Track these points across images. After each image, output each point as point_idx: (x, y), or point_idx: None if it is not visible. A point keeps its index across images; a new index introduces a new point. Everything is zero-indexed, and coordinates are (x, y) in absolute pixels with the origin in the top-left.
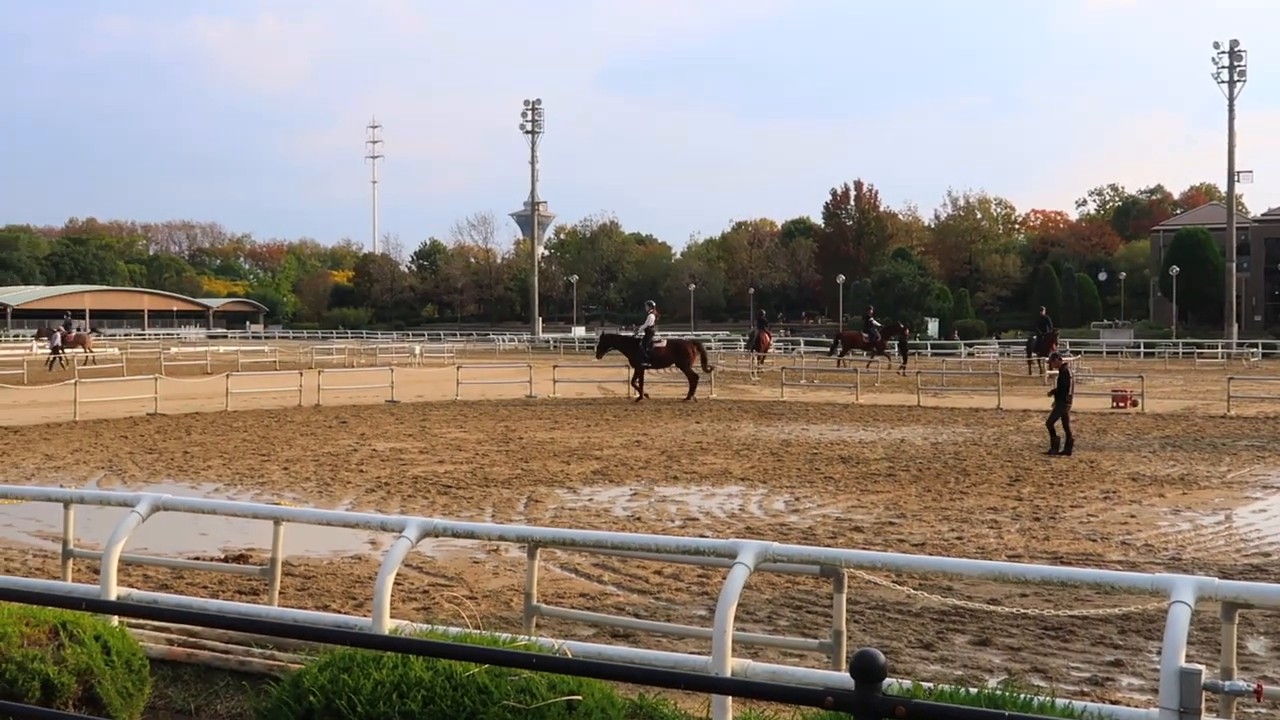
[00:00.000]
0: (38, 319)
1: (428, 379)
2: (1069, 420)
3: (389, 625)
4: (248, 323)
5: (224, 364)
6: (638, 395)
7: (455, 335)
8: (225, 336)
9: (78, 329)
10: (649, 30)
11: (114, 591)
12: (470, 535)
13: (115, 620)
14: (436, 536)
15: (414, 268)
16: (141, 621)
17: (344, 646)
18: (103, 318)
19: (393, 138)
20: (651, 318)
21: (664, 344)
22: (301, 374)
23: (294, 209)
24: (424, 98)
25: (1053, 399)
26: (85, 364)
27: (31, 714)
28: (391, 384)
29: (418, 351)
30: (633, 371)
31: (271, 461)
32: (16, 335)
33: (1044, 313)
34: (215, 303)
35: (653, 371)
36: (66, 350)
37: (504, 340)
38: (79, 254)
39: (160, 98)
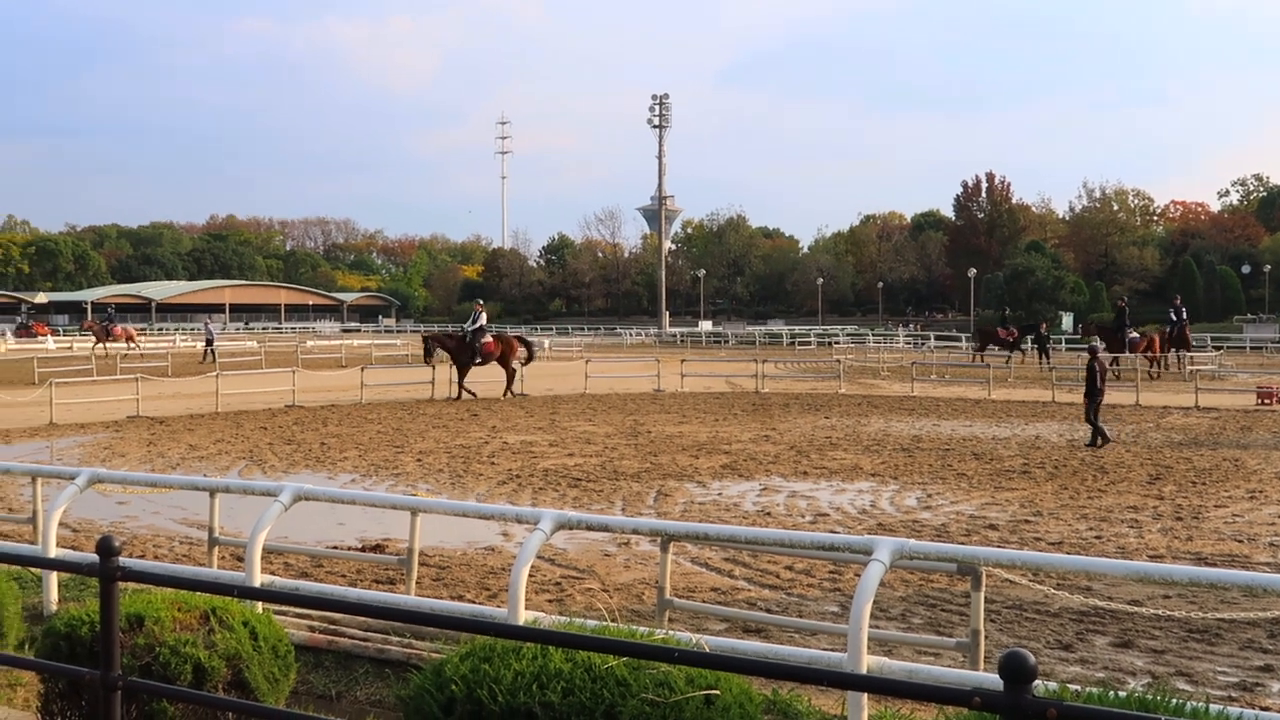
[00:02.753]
0: (180, 313)
1: (556, 372)
2: (1094, 413)
3: (524, 616)
4: (380, 317)
5: (358, 357)
6: (459, 394)
7: (583, 329)
8: (359, 330)
9: (102, 321)
10: (776, 21)
11: (258, 578)
12: (604, 528)
13: (259, 606)
14: (570, 529)
15: (542, 262)
16: (284, 608)
17: (484, 637)
18: (241, 312)
19: (521, 133)
20: (483, 317)
21: (491, 340)
22: (434, 368)
23: (425, 205)
24: (552, 93)
25: (1085, 394)
26: (126, 358)
27: (184, 696)
28: (522, 377)
29: (546, 345)
30: (459, 369)
31: (405, 453)
32: (160, 329)
33: (1177, 301)
34: (349, 297)
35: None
36: (110, 343)
37: (631, 334)
38: (219, 250)
39: (297, 97)
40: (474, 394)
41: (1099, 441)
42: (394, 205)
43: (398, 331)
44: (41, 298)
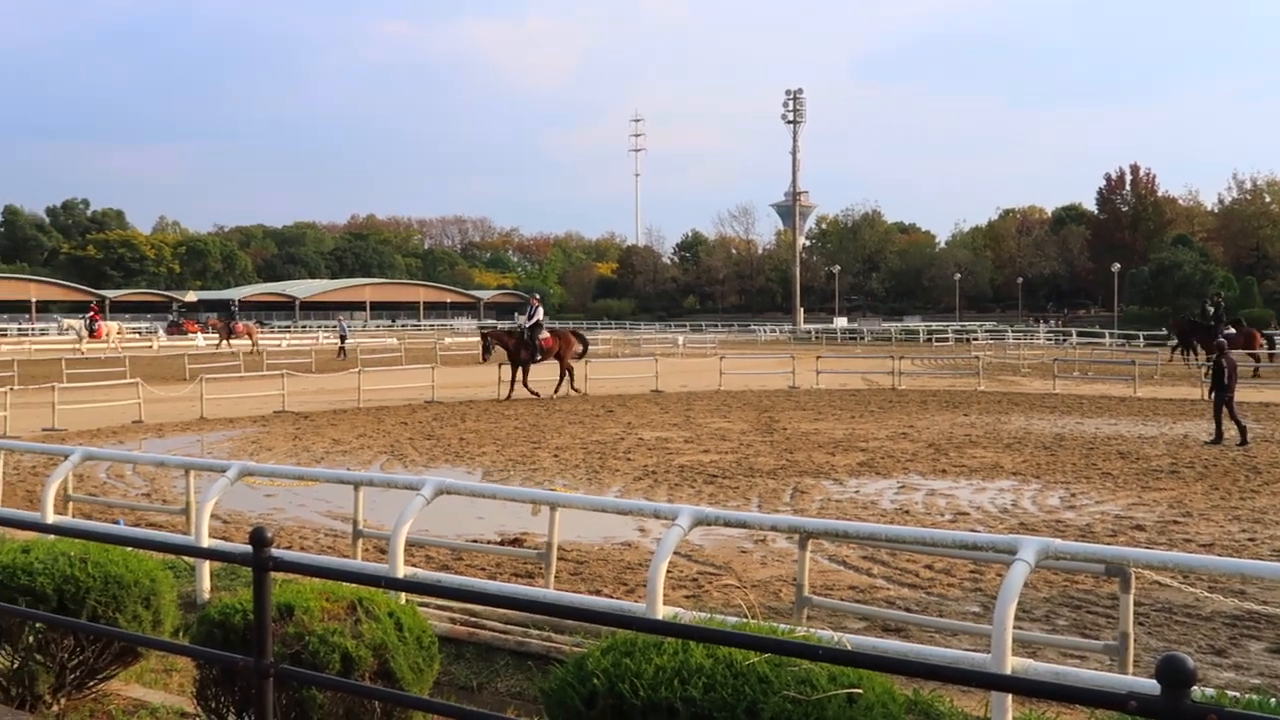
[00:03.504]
0: (323, 310)
1: (691, 369)
2: (1223, 411)
3: (662, 611)
4: (515, 314)
5: (495, 354)
6: (509, 395)
7: (717, 326)
8: (495, 327)
9: (225, 319)
10: (910, 13)
11: (401, 570)
12: (742, 525)
13: (403, 598)
14: (708, 525)
15: (676, 259)
16: (426, 600)
17: (625, 631)
18: (381, 309)
19: (655, 131)
20: (540, 311)
21: (548, 335)
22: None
23: (560, 203)
24: (686, 90)
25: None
26: (250, 354)
27: (333, 684)
28: (656, 374)
29: (680, 342)
30: (515, 368)
31: (542, 449)
32: (304, 326)
33: None
34: (485, 294)
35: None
36: (233, 341)
37: (765, 331)
38: (360, 248)
39: (435, 98)
40: (537, 394)
41: (1241, 439)
42: (529, 203)
43: None
44: (191, 296)
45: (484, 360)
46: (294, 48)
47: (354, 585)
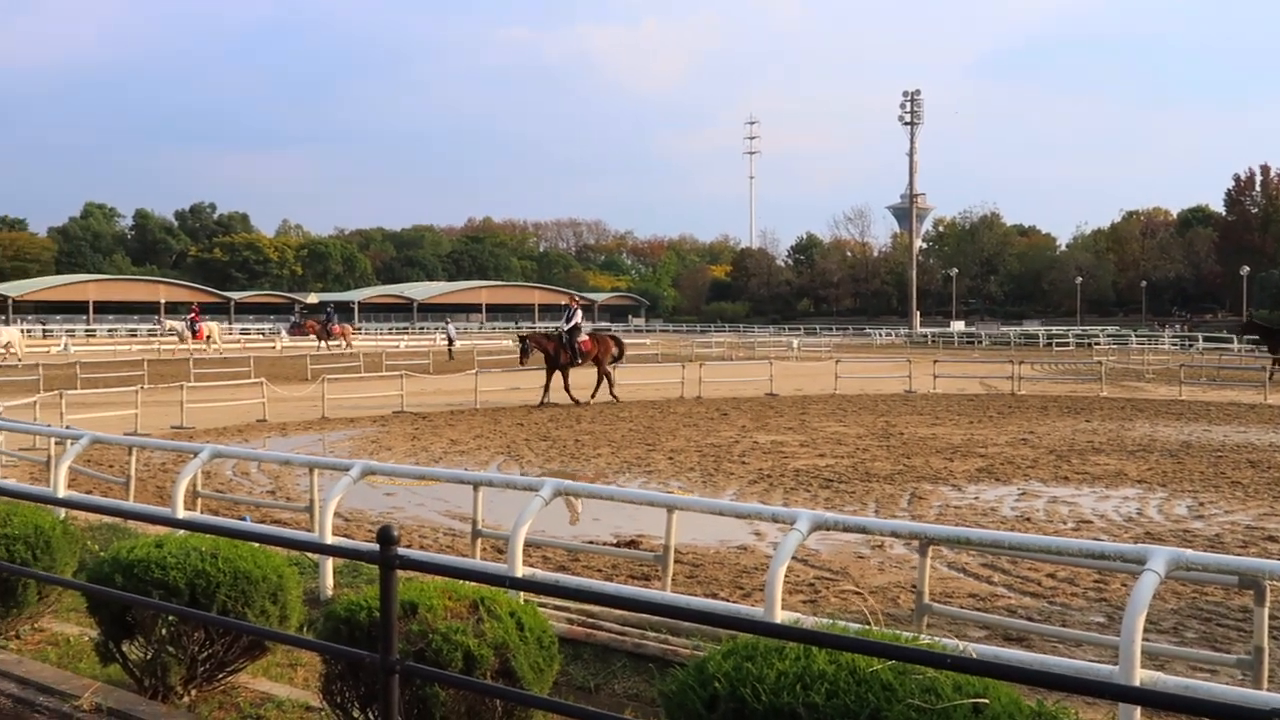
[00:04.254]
0: (440, 312)
1: (805, 373)
2: None
3: (781, 616)
4: (630, 316)
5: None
6: (543, 400)
7: (831, 329)
8: (609, 330)
9: (322, 321)
10: (1031, 12)
11: (520, 570)
12: (861, 530)
13: (522, 597)
14: (826, 530)
15: (790, 262)
16: (544, 600)
17: (746, 635)
18: (497, 312)
19: (770, 133)
20: (578, 314)
21: (587, 338)
22: (683, 366)
23: (673, 205)
24: (800, 92)
25: None
26: (348, 351)
27: (457, 682)
28: (770, 377)
29: (795, 345)
30: (554, 373)
31: (657, 451)
32: (421, 328)
33: None
34: (600, 297)
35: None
36: (329, 342)
37: (881, 334)
38: (476, 251)
39: (550, 102)
40: (578, 400)
41: None
42: (643, 206)
43: (647, 331)
44: (313, 298)
45: (522, 364)
46: (413, 54)
47: (475, 584)
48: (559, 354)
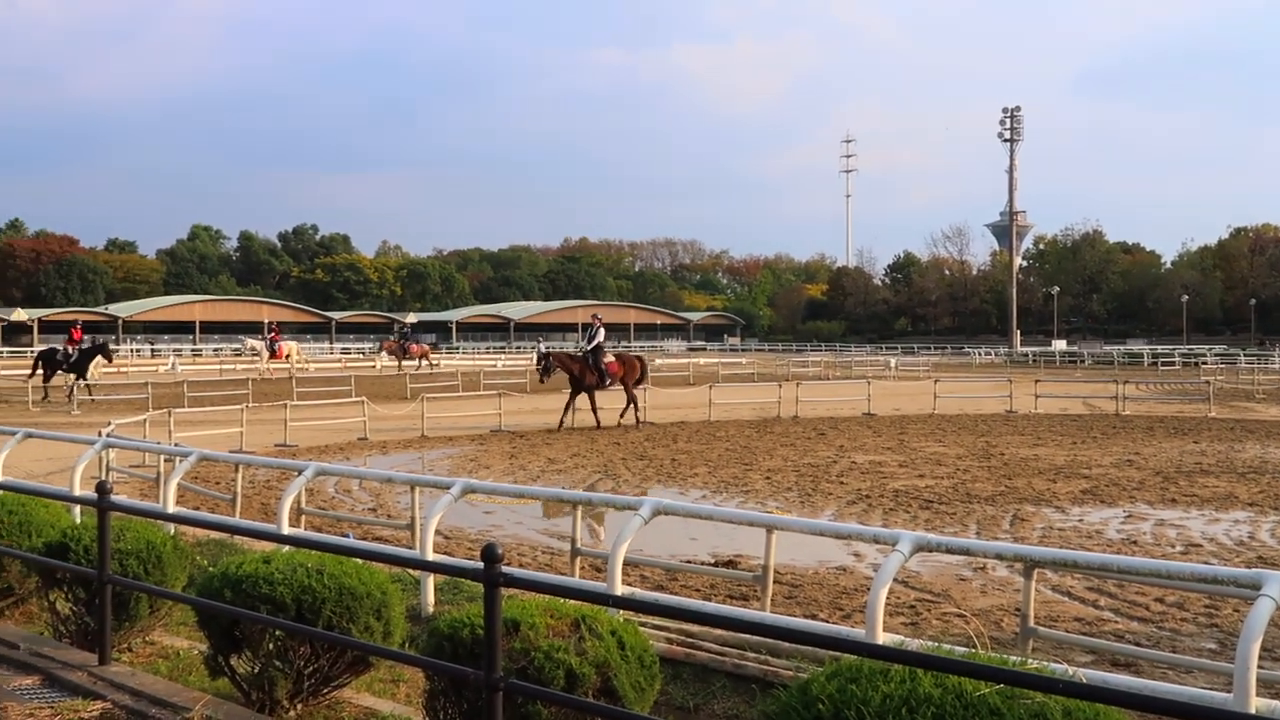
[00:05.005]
0: (536, 332)
1: (903, 392)
2: None
3: (882, 637)
4: (725, 335)
5: (705, 375)
6: (561, 424)
7: (929, 348)
8: (704, 349)
9: (401, 340)
10: (1133, 27)
11: (619, 589)
12: (964, 552)
13: (621, 615)
14: (929, 551)
15: (887, 280)
16: (642, 619)
17: (849, 657)
18: None
19: (866, 151)
20: (601, 333)
21: (614, 360)
22: (780, 386)
23: (769, 224)
24: (897, 110)
25: None
26: (425, 371)
27: (559, 699)
28: (868, 397)
29: (893, 365)
30: (578, 394)
31: (754, 470)
32: (518, 347)
33: None
34: (695, 316)
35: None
36: (406, 361)
37: (980, 354)
38: (573, 271)
39: (645, 122)
40: (599, 423)
41: None
42: (739, 225)
43: (743, 350)
44: (412, 318)
45: (542, 382)
46: (507, 77)
47: (576, 602)
48: (584, 375)
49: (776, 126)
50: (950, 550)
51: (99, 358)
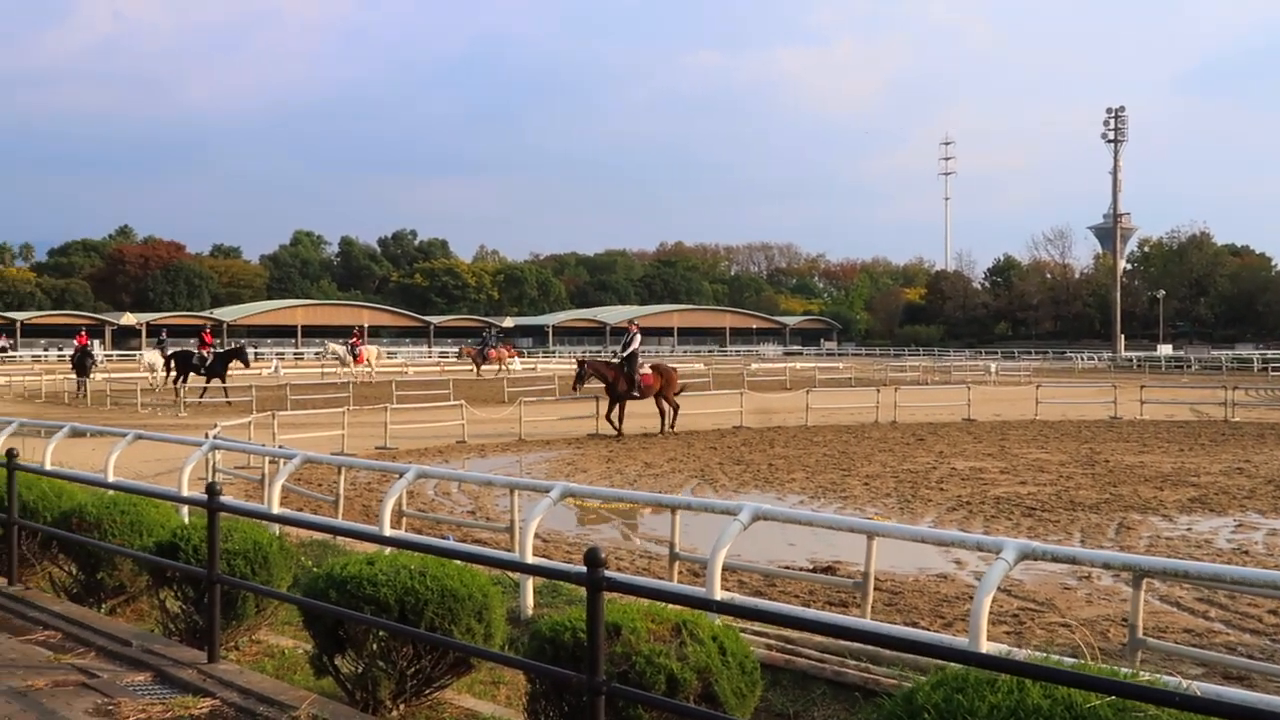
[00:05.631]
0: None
1: (1004, 397)
2: None
3: (986, 646)
4: (821, 340)
5: (801, 380)
6: (618, 432)
7: (1030, 353)
8: (801, 353)
9: (479, 346)
10: (1239, 25)
11: (719, 594)
12: (1071, 561)
13: (718, 620)
14: (1034, 560)
15: (987, 284)
16: (741, 624)
17: (954, 666)
18: (688, 336)
19: (965, 153)
20: (637, 340)
21: (649, 373)
22: (878, 391)
23: (866, 228)
24: (996, 111)
25: None
26: (499, 375)
27: (661, 704)
28: (968, 402)
29: (993, 369)
30: (612, 403)
31: (852, 476)
32: (614, 351)
33: None
34: (791, 320)
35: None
36: (488, 366)
37: (1082, 359)
38: (668, 275)
39: (741, 125)
40: (621, 432)
41: None
42: (835, 229)
43: (840, 355)
44: (509, 322)
45: (575, 390)
46: (603, 80)
47: (676, 607)
48: (618, 382)
49: (874, 128)
50: (1056, 559)
51: (236, 361)
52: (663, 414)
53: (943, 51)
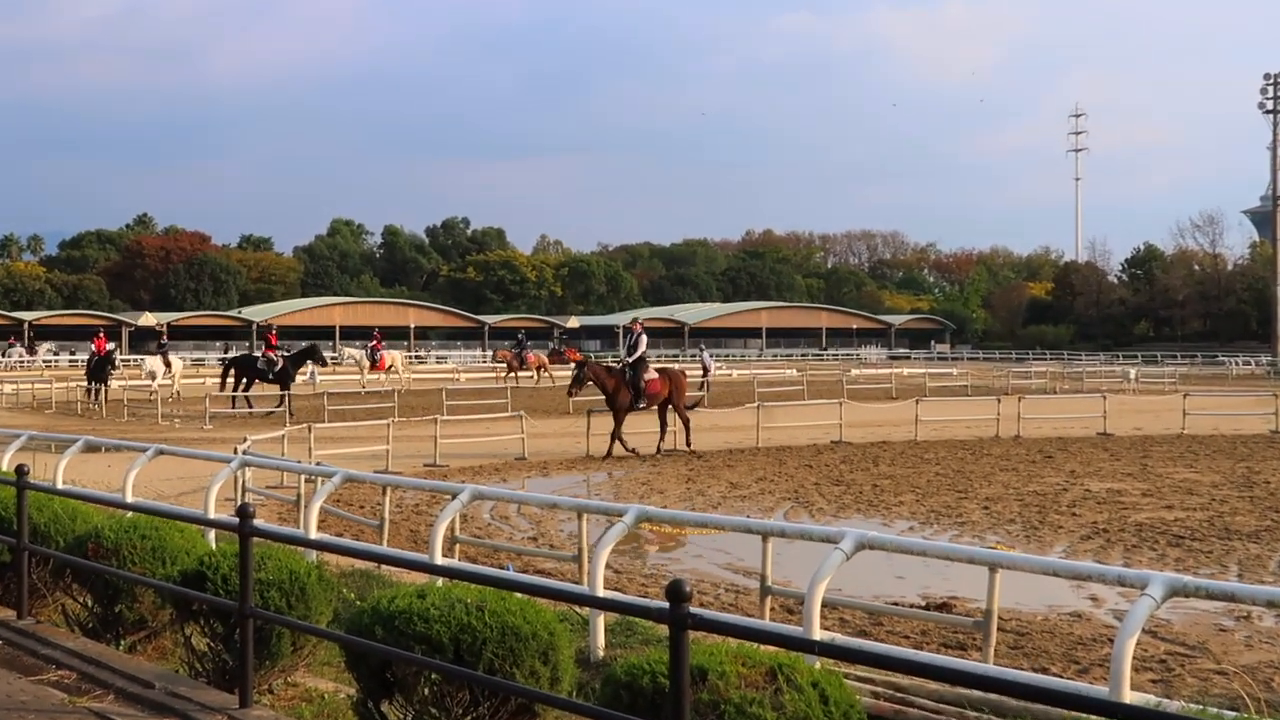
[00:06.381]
0: (713, 337)
1: (1145, 408)
2: None
3: (1129, 696)
4: (932, 341)
5: (910, 388)
6: (629, 449)
7: (1175, 356)
8: (908, 357)
9: (515, 350)
10: None
11: (818, 633)
12: (1227, 597)
13: (818, 664)
14: (1184, 597)
15: (1124, 277)
16: (845, 669)
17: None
18: (778, 337)
19: (1097, 128)
20: (643, 341)
21: (657, 378)
22: (998, 401)
23: (983, 214)
24: (1135, 79)
25: None
26: (537, 384)
27: None
28: (1103, 413)
29: (1132, 375)
30: (615, 414)
31: (969, 499)
32: (692, 355)
33: None
34: (897, 319)
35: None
36: (522, 372)
37: (1237, 363)
38: (755, 268)
39: (837, 99)
40: (611, 451)
41: None
42: (948, 215)
43: (953, 359)
44: (573, 322)
45: (571, 393)
46: (679, 50)
47: (770, 648)
48: (618, 392)
49: (990, 101)
50: (1210, 595)
51: (309, 364)
52: (664, 427)
53: (1071, 9)
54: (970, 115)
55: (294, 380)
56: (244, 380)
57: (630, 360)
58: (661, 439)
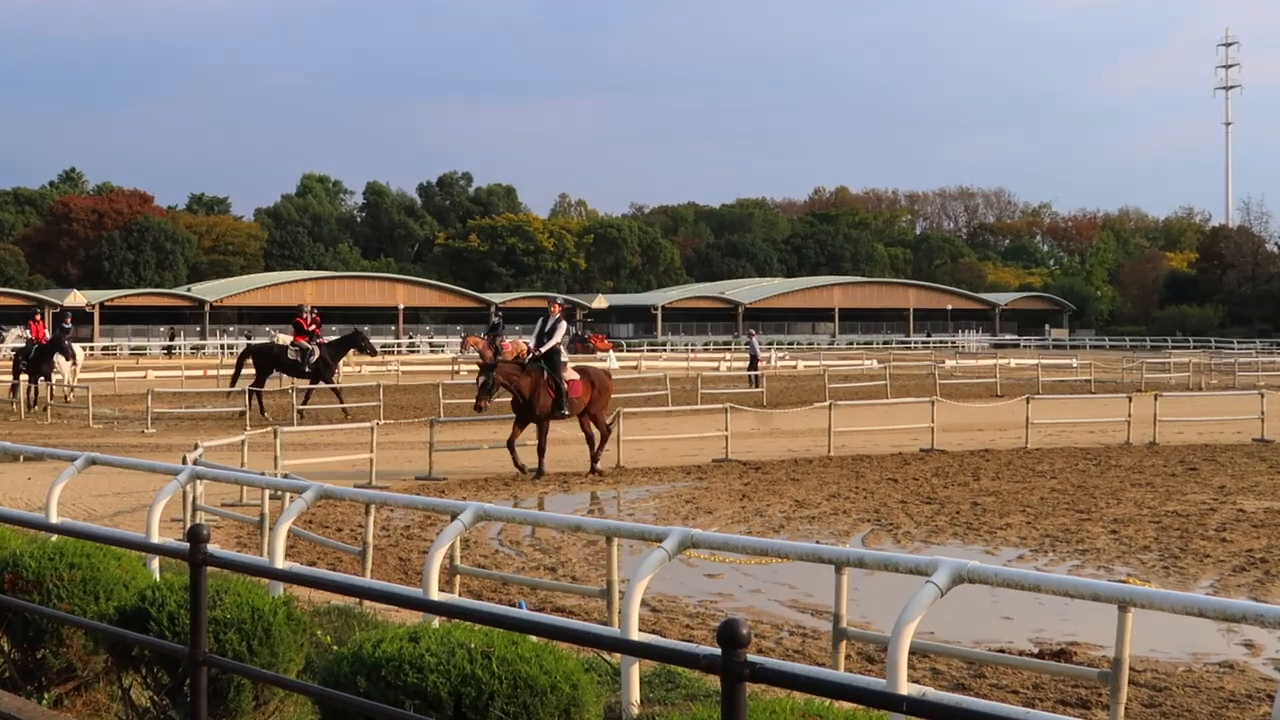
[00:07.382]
0: (774, 320)
1: None
2: None
3: None
4: (1047, 325)
5: (1019, 384)
6: (531, 466)
7: None
8: (1017, 345)
9: (492, 332)
10: None
11: (904, 687)
12: None
13: None
14: None
15: None
16: None
17: None
18: (854, 319)
19: (1254, 57)
20: (561, 328)
21: (577, 378)
22: (1129, 399)
23: (1109, 168)
24: None
25: None
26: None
27: None
28: (1261, 415)
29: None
30: (525, 425)
31: (1092, 521)
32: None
33: None
34: (1002, 298)
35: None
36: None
37: None
38: (825, 234)
39: (925, 27)
40: (542, 469)
41: None
42: (1064, 170)
43: (1072, 347)
44: (600, 301)
45: (478, 408)
46: None
47: (848, 704)
48: (535, 395)
49: (1115, 28)
50: None
51: (352, 352)
52: (592, 438)
53: None
54: (1090, 47)
55: (336, 373)
56: (265, 373)
57: (542, 351)
58: (600, 447)
